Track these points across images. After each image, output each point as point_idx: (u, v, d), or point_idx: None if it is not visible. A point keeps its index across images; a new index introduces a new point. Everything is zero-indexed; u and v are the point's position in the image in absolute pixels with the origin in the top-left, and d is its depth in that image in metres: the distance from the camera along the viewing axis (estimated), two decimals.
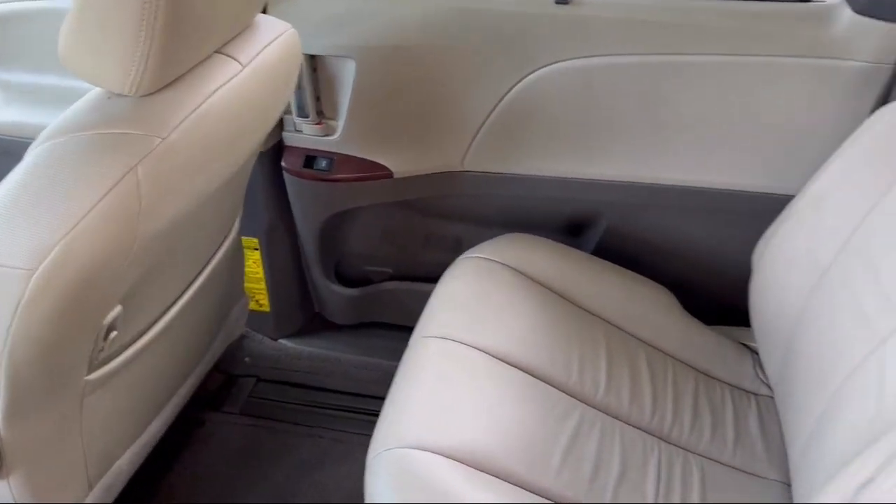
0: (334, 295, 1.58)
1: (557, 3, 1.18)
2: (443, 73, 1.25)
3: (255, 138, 0.95)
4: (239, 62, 0.88)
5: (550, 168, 1.32)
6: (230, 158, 0.88)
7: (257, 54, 0.90)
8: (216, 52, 0.87)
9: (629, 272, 1.28)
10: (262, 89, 0.90)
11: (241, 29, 0.90)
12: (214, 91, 0.82)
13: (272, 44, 0.94)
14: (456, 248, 1.47)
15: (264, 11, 1.20)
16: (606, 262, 1.30)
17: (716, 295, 1.32)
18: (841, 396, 0.87)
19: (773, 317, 1.10)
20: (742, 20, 1.12)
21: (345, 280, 1.59)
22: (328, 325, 1.66)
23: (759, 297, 1.13)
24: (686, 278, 1.35)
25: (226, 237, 1.20)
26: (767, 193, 1.21)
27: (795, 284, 1.04)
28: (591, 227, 1.42)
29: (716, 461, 1.04)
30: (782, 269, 1.07)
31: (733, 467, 1.04)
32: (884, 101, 1.09)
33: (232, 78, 0.85)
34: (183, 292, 1.08)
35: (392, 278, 1.59)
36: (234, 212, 1.21)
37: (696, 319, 1.25)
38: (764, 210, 1.17)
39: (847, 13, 1.09)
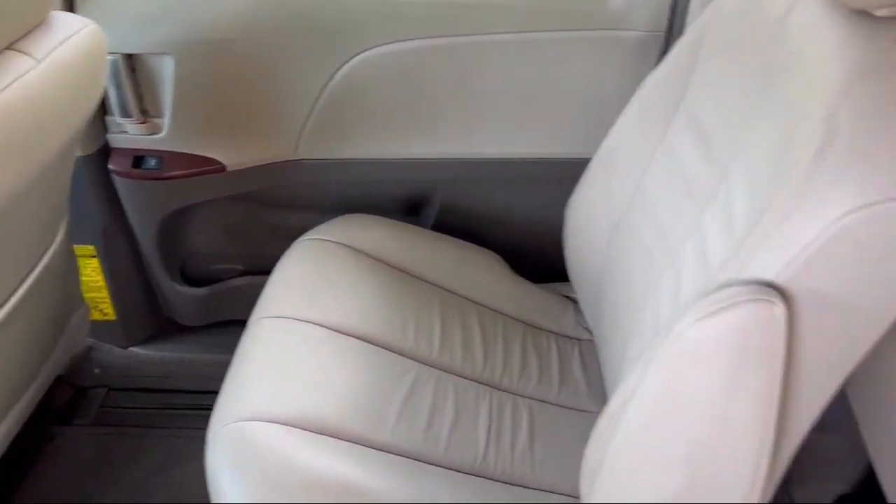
0: (182, 296, 1.57)
1: None
2: (264, 64, 1.29)
3: (59, 137, 0.94)
4: (33, 58, 0.87)
5: (382, 151, 1.38)
6: (31, 157, 0.88)
7: (53, 50, 0.90)
8: (6, 48, 0.86)
9: (462, 242, 1.37)
10: (60, 86, 0.91)
11: (32, 25, 0.90)
12: (6, 87, 0.82)
13: (70, 39, 0.94)
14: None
15: (72, 9, 1.19)
16: (440, 234, 1.38)
17: (542, 256, 1.42)
18: (633, 331, 0.98)
19: (583, 268, 1.21)
20: (530, 0, 1.23)
21: (193, 280, 1.59)
22: (181, 329, 1.65)
23: (571, 252, 1.24)
24: (515, 243, 1.45)
25: (49, 245, 1.18)
26: (575, 158, 1.33)
27: (597, 235, 1.16)
28: (428, 204, 1.49)
29: (543, 401, 1.14)
30: (585, 223, 1.19)
31: (559, 405, 1.14)
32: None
33: (25, 73, 0.85)
34: (3, 302, 1.06)
35: (242, 274, 1.61)
36: (57, 218, 1.19)
37: (523, 279, 1.35)
38: (574, 174, 1.28)
39: None
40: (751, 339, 0.66)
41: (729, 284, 0.68)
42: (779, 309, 0.65)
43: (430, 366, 1.11)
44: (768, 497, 0.86)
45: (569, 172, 1.33)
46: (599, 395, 1.16)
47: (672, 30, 1.20)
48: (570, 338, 1.26)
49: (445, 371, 1.12)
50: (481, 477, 0.99)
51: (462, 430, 1.03)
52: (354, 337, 1.10)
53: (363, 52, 1.27)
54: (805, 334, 0.68)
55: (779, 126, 0.75)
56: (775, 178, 0.71)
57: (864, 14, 0.70)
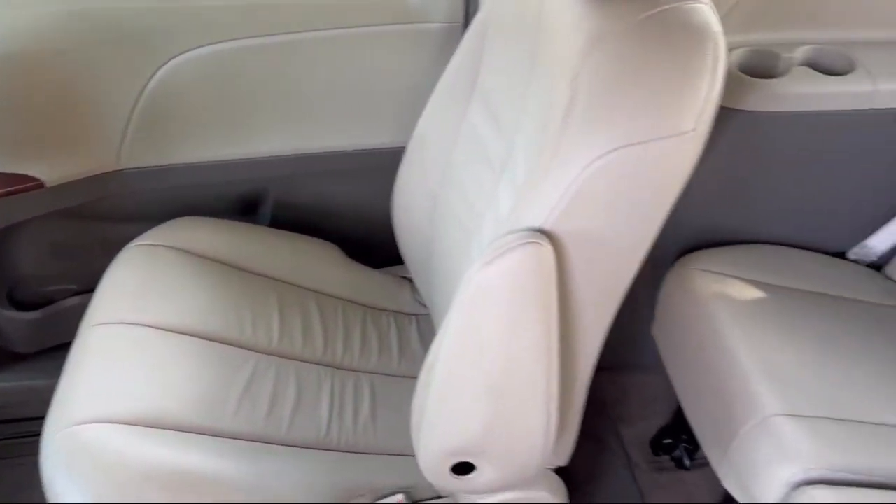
0: (12, 322, 1.51)
1: None
2: (73, 76, 1.27)
3: None
4: None
5: (207, 154, 1.40)
6: None
7: None
8: None
9: (297, 235, 1.41)
10: None
11: None
12: None
13: None
14: None
15: None
16: (276, 230, 1.41)
17: (377, 242, 1.49)
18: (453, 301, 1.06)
19: (412, 247, 1.29)
20: None
21: (25, 305, 1.53)
22: (16, 357, 1.58)
23: (399, 234, 1.32)
24: (351, 232, 1.51)
25: None
26: (395, 147, 1.40)
27: (419, 215, 1.23)
28: (262, 202, 1.52)
29: (384, 374, 1.20)
30: (408, 205, 1.26)
31: (400, 376, 1.21)
32: None
33: None
34: None
35: (77, 293, 1.56)
36: None
37: (361, 265, 1.41)
38: (396, 162, 1.35)
39: None
40: (525, 278, 0.75)
41: (507, 235, 0.77)
42: (547, 250, 0.75)
43: (270, 354, 1.15)
44: (576, 421, 0.97)
45: (391, 161, 1.40)
46: None
47: (468, 20, 1.29)
48: (407, 314, 1.34)
49: (286, 358, 1.16)
50: (325, 450, 1.04)
51: (304, 410, 1.08)
52: (190, 335, 1.11)
53: (176, 56, 1.28)
54: (574, 270, 0.78)
55: (544, 97, 0.85)
56: (541, 141, 0.81)
57: None
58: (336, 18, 1.29)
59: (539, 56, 0.89)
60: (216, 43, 1.29)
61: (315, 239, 1.40)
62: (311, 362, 1.17)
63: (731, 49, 1.31)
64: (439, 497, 1.03)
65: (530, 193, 0.79)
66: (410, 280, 1.40)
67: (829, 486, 0.92)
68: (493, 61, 1.05)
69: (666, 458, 1.41)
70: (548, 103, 0.82)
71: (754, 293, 1.23)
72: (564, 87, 0.77)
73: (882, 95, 1.28)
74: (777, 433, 0.98)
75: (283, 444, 1.02)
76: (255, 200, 1.52)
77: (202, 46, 1.28)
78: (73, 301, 1.55)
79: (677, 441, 1.41)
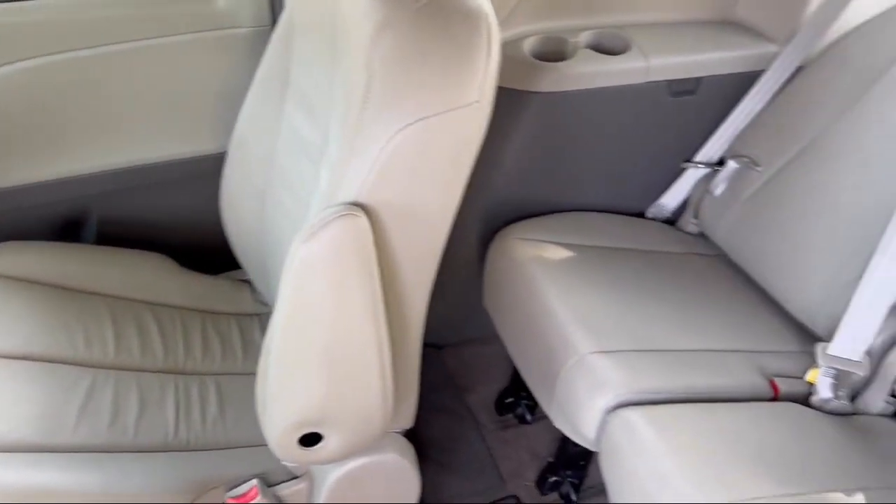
0: None
1: None
2: None
3: None
4: None
5: (23, 177, 1.34)
6: None
7: None
8: None
9: (127, 250, 1.38)
10: None
11: None
12: None
13: None
14: None
15: None
16: (104, 247, 1.38)
17: (213, 248, 1.49)
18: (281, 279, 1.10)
19: (246, 248, 1.31)
20: (143, 8, 1.29)
21: None
22: None
23: (232, 237, 1.33)
24: (185, 241, 1.50)
25: None
26: (219, 153, 1.42)
27: (249, 215, 1.26)
28: (85, 221, 1.48)
29: (230, 374, 1.22)
30: (236, 207, 1.29)
31: (245, 373, 1.23)
32: None
33: None
34: None
35: None
36: None
37: (196, 273, 1.40)
38: (220, 168, 1.37)
39: None
40: (345, 249, 0.81)
41: (325, 210, 0.83)
42: (362, 220, 0.81)
43: (108, 368, 1.13)
44: (414, 383, 1.05)
45: (214, 167, 1.42)
46: None
47: (275, 22, 1.34)
48: (249, 315, 1.36)
49: (125, 370, 1.14)
50: (174, 451, 1.05)
51: (149, 416, 1.07)
52: (19, 358, 1.08)
53: None
54: (390, 238, 0.85)
55: (346, 84, 0.92)
56: (347, 123, 0.88)
57: None
58: (143, 29, 1.29)
59: (338, 48, 0.95)
60: (19, 61, 1.25)
61: (146, 252, 1.39)
62: (152, 371, 1.16)
63: (523, 38, 1.45)
64: (294, 478, 1.07)
65: (343, 171, 0.85)
66: (249, 282, 1.41)
67: (637, 407, 1.05)
68: (302, 58, 1.10)
69: (510, 416, 1.53)
70: (349, 89, 0.89)
71: (566, 253, 1.36)
72: (361, 72, 0.84)
73: (655, 70, 1.46)
74: (591, 368, 1.11)
75: (129, 451, 1.01)
76: (77, 219, 1.48)
77: (9, 64, 1.24)
78: None
79: (518, 399, 1.52)
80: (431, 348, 1.60)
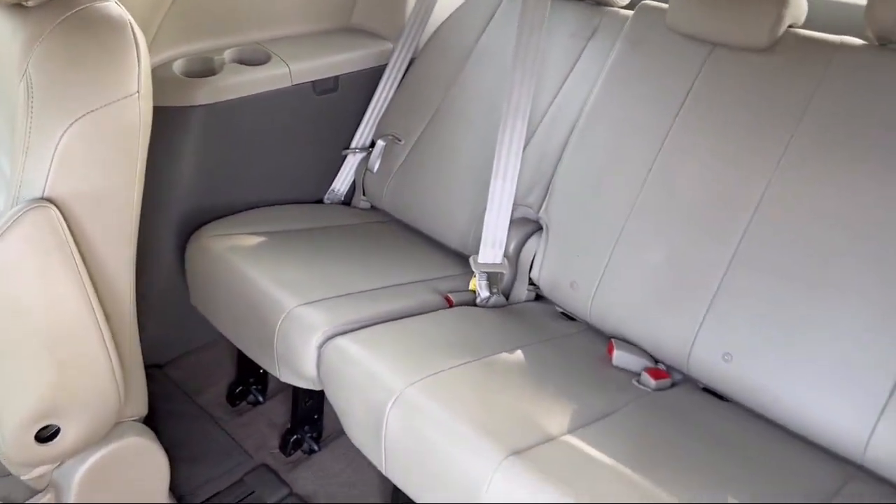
0: None
1: None
2: None
3: None
4: None
5: None
6: None
7: None
8: None
9: None
10: None
11: None
12: None
13: None
14: None
15: None
16: None
17: None
18: None
19: None
20: None
21: None
22: None
23: None
24: None
25: None
26: None
27: None
28: None
29: None
30: None
31: None
32: None
33: None
34: None
35: None
36: None
37: None
38: None
39: None
40: (41, 240, 0.89)
41: (12, 209, 0.89)
42: (52, 211, 0.90)
43: None
44: (140, 367, 1.13)
45: None
46: None
47: None
48: None
49: None
50: None
51: None
52: None
53: None
54: (85, 226, 0.95)
55: (8, 100, 0.98)
56: (19, 131, 0.94)
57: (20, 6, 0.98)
58: None
59: None
60: None
61: None
62: None
63: (171, 60, 1.58)
64: (37, 492, 1.08)
65: (22, 173, 0.92)
66: None
67: (342, 335, 1.24)
68: None
69: (243, 403, 1.63)
70: (12, 103, 0.96)
71: (258, 240, 1.52)
72: (19, 85, 0.92)
73: (297, 74, 1.69)
74: (299, 318, 1.28)
75: None
76: None
77: None
78: None
79: (247, 387, 1.64)
80: (153, 368, 1.64)
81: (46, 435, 0.98)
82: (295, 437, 1.52)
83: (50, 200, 0.90)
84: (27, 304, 0.90)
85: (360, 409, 1.16)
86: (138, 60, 0.95)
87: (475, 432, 1.04)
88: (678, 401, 1.26)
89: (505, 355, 1.26)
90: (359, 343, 1.22)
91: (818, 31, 1.31)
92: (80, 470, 1.07)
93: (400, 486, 1.13)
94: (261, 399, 1.64)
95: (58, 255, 0.91)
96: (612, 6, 1.60)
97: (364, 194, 1.82)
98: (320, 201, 1.86)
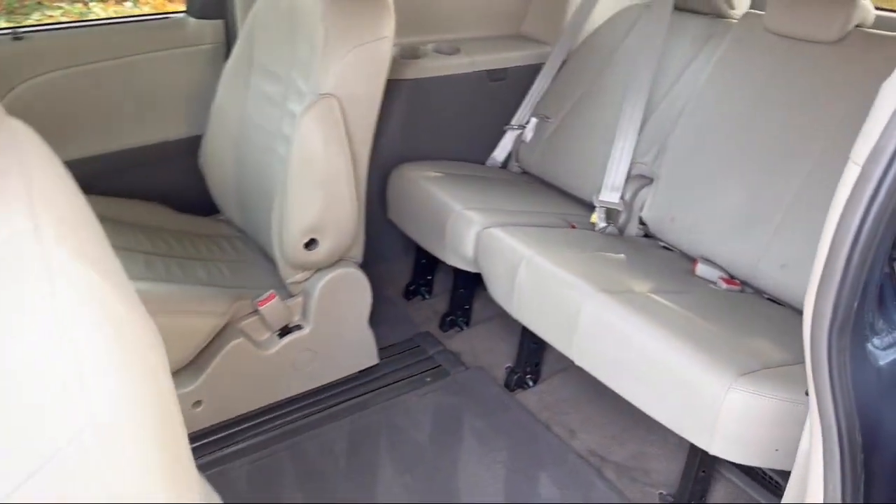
0: None
1: (14, 39, 1.77)
2: None
3: None
4: None
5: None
6: None
7: None
8: None
9: (130, 200, 1.93)
10: None
11: None
12: None
13: None
14: None
15: None
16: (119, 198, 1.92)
17: (200, 194, 2.06)
18: (292, 142, 1.74)
19: (225, 190, 1.92)
20: (138, 32, 1.91)
21: None
22: None
23: (213, 186, 1.94)
24: (175, 198, 2.07)
25: None
26: (189, 137, 2.01)
27: (227, 160, 1.87)
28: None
29: (232, 261, 1.80)
30: (217, 157, 1.90)
31: (238, 260, 1.82)
32: None
33: None
34: None
35: None
36: None
37: (190, 215, 1.98)
38: (192, 147, 1.97)
39: None
40: (328, 118, 1.49)
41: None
42: (334, 101, 1.50)
43: (162, 256, 1.69)
44: (363, 230, 1.71)
45: (188, 147, 2.00)
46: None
47: (228, 42, 2.00)
48: (226, 236, 1.94)
49: (166, 256, 1.71)
50: (212, 286, 1.63)
51: (190, 274, 1.66)
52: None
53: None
54: (349, 117, 1.54)
55: (310, 36, 1.61)
56: (312, 66, 1.56)
57: None
58: (137, 47, 1.91)
59: (297, 21, 1.64)
60: (53, 71, 1.82)
61: (145, 202, 1.95)
62: (183, 258, 1.73)
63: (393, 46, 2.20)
64: (292, 296, 1.67)
65: (318, 79, 1.53)
66: (226, 221, 2.00)
67: (496, 227, 1.76)
68: (264, 44, 1.78)
69: (416, 298, 2.20)
70: (312, 39, 1.58)
71: (439, 174, 2.08)
72: (319, 25, 1.54)
73: (477, 64, 2.27)
74: (465, 216, 1.81)
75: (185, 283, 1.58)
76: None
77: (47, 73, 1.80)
78: None
79: (419, 286, 2.20)
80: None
81: (310, 248, 1.57)
82: (450, 318, 2.06)
83: (334, 96, 1.51)
84: (313, 157, 1.50)
85: (501, 270, 1.67)
86: (391, 18, 1.55)
87: (576, 277, 1.51)
88: (744, 298, 1.66)
89: (610, 254, 1.73)
90: (504, 230, 1.74)
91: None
92: (322, 282, 1.66)
93: (524, 321, 1.62)
94: (427, 296, 2.20)
95: (335, 129, 1.50)
96: (729, 18, 2.05)
97: (517, 160, 2.34)
98: (483, 162, 2.41)
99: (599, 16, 2.34)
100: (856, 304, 0.67)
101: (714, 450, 1.27)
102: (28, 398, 0.46)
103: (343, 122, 1.52)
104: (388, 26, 1.55)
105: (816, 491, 0.73)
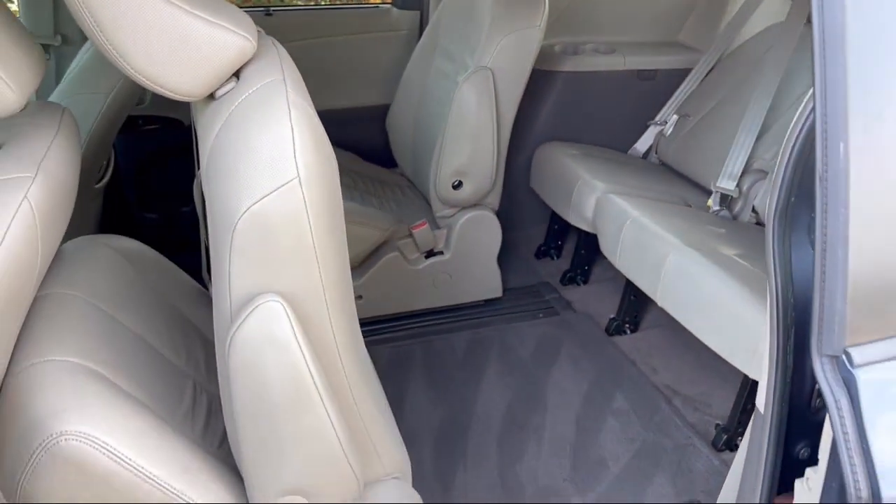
0: None
1: (266, 15, 2.36)
2: None
3: None
4: None
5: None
6: None
7: None
8: None
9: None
10: None
11: None
12: None
13: None
14: None
15: None
16: None
17: (383, 145, 2.57)
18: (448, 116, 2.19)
19: (402, 147, 2.40)
20: (357, 18, 2.45)
21: None
22: None
23: (394, 144, 2.44)
24: (366, 150, 2.60)
25: None
26: (381, 104, 2.52)
27: (406, 123, 2.36)
28: None
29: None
30: (399, 120, 2.39)
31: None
32: None
33: None
34: None
35: None
36: None
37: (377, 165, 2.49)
38: (383, 111, 2.47)
39: None
40: (476, 85, 1.91)
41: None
42: (489, 73, 1.92)
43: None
44: (501, 180, 2.11)
45: (381, 112, 2.51)
46: None
47: (421, 29, 2.49)
48: (400, 186, 2.42)
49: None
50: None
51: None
52: None
53: None
54: (501, 86, 1.95)
55: (480, 24, 2.03)
56: (478, 45, 1.98)
57: None
58: (352, 28, 2.45)
59: (473, 15, 2.08)
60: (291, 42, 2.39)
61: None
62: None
63: (554, 44, 2.59)
64: (439, 228, 2.10)
65: (481, 55, 1.95)
66: (401, 174, 2.49)
67: (615, 195, 2.08)
68: (446, 30, 2.24)
69: (546, 258, 2.55)
70: (480, 27, 2.00)
71: (577, 152, 2.43)
72: (487, 15, 1.96)
73: (629, 63, 2.59)
74: (589, 184, 2.15)
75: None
76: None
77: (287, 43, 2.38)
78: None
79: (549, 248, 2.56)
80: None
81: (457, 188, 1.99)
82: (570, 274, 2.40)
83: (489, 69, 1.92)
84: (467, 114, 1.92)
85: (612, 228, 1.99)
86: (544, 11, 1.94)
87: (668, 233, 1.80)
88: None
89: (712, 227, 1.99)
90: (620, 197, 2.06)
91: None
92: (463, 219, 2.08)
93: (623, 270, 1.93)
94: (555, 258, 2.56)
95: (486, 95, 1.92)
96: None
97: (656, 153, 2.62)
98: (624, 152, 2.71)
99: (749, 30, 2.57)
100: (792, 199, 0.96)
101: (754, 374, 1.52)
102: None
103: (493, 91, 1.93)
104: (541, 17, 1.94)
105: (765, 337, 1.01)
